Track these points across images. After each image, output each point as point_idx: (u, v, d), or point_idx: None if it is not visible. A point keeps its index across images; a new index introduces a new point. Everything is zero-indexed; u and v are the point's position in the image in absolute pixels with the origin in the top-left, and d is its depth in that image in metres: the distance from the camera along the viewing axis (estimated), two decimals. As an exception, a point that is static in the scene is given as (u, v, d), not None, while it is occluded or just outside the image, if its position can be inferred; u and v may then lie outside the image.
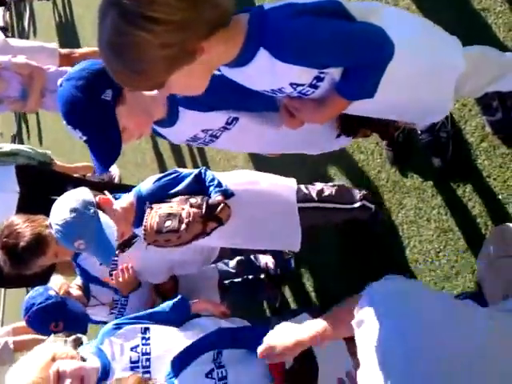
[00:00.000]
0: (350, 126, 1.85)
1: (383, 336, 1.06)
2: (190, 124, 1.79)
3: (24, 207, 3.13)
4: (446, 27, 1.58)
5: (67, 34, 6.90)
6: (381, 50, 1.34)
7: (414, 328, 1.05)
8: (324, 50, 1.31)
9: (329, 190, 2.33)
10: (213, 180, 1.99)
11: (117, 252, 2.12)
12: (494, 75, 1.70)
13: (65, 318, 2.29)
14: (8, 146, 3.79)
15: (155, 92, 1.71)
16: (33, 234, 2.21)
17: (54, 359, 1.76)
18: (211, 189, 1.95)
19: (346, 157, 2.62)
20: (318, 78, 1.39)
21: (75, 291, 2.47)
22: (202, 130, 1.81)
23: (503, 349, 1.08)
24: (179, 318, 2.04)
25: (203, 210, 1.83)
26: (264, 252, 2.85)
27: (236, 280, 2.88)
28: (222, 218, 1.87)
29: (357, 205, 2.36)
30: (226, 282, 2.81)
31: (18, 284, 3.39)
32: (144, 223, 1.82)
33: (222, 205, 1.87)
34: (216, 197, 1.90)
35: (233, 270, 2.85)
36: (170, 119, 1.76)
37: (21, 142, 8.21)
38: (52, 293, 2.34)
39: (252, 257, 2.97)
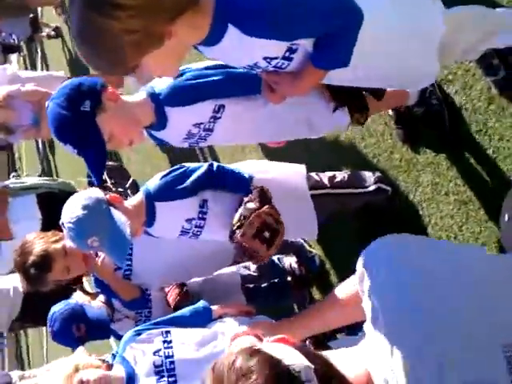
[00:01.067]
0: (340, 96, 1.82)
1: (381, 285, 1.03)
2: (180, 121, 1.80)
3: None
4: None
5: (77, 68, 7.03)
6: (348, 16, 1.32)
7: (412, 278, 1.02)
8: (289, 20, 1.29)
9: (341, 175, 2.29)
10: (233, 171, 2.02)
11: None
12: (483, 31, 1.65)
13: (86, 321, 2.30)
14: (31, 180, 3.85)
15: (140, 98, 1.75)
16: (39, 251, 2.26)
17: (77, 370, 1.75)
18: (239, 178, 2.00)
19: (356, 143, 2.56)
20: (291, 50, 1.37)
21: (99, 303, 2.46)
22: (194, 125, 1.82)
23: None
24: (201, 323, 1.99)
25: (259, 201, 1.88)
26: (286, 249, 2.79)
27: (263, 285, 2.82)
28: (271, 196, 1.93)
29: (372, 188, 2.30)
30: (251, 285, 2.76)
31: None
32: (253, 257, 1.89)
33: (261, 187, 1.92)
34: (253, 188, 1.94)
35: (255, 273, 2.79)
36: (160, 121, 1.79)
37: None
38: (73, 301, 2.38)
39: (275, 258, 2.92)
